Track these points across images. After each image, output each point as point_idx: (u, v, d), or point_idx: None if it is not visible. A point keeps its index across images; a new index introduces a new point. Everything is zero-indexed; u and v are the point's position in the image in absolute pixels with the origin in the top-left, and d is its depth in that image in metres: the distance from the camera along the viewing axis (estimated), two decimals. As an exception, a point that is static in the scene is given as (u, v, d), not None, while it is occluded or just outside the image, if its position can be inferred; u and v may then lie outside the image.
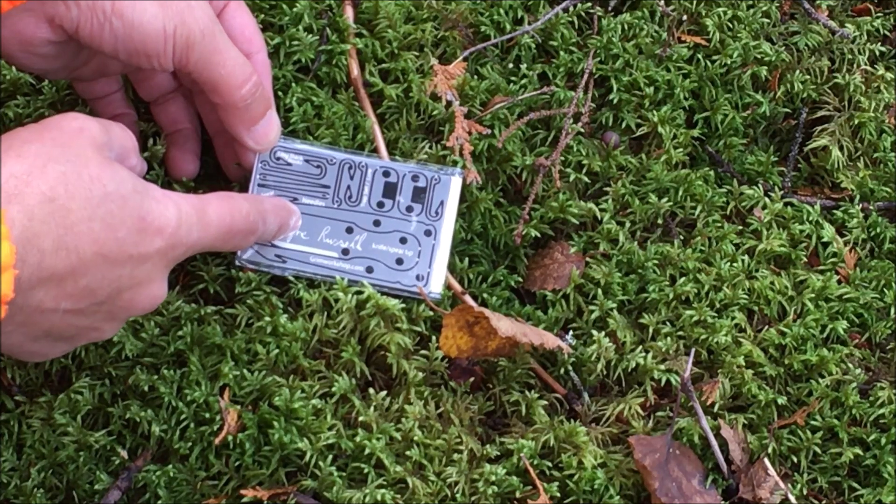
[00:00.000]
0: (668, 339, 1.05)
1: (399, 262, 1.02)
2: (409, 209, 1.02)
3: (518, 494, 0.99)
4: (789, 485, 1.02)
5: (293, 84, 1.07)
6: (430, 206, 1.02)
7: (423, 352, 1.02)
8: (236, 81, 0.92)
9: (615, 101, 1.11)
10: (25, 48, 0.88)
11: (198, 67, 0.90)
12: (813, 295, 1.08)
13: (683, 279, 1.07)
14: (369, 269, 1.01)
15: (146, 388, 0.99)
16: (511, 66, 1.12)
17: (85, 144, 0.81)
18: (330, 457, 0.99)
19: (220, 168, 1.05)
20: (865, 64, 1.17)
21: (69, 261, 0.78)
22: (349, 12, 1.10)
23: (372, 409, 1.00)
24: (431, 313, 1.03)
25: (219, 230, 0.88)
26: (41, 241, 0.76)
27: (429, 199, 1.03)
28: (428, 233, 1.02)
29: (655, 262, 1.08)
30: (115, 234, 0.80)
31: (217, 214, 0.88)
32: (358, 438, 0.98)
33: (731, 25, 1.14)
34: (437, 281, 1.02)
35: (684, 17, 1.14)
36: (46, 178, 0.77)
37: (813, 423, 1.05)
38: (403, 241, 1.02)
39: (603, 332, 1.04)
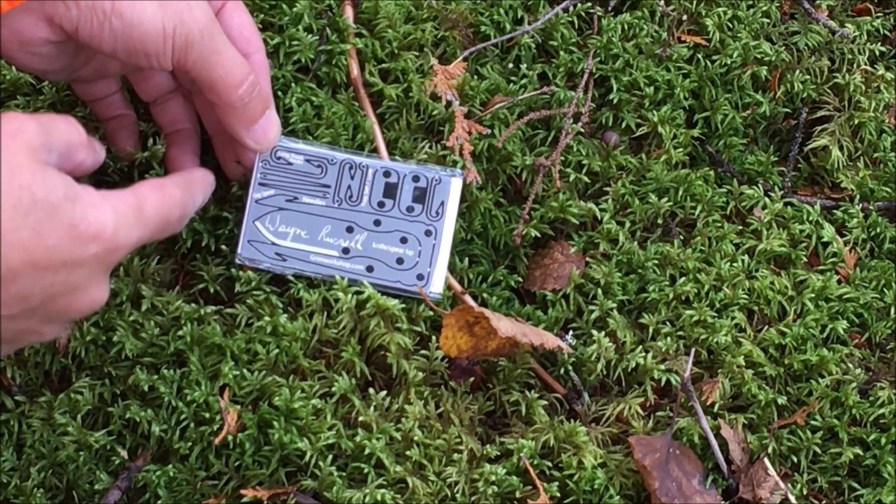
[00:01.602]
0: (668, 339, 1.05)
1: (399, 261, 1.02)
2: (410, 209, 1.02)
3: (518, 494, 0.99)
4: (789, 485, 1.02)
5: (293, 84, 1.07)
6: (430, 206, 1.02)
7: (423, 352, 1.02)
8: (234, 81, 0.92)
9: (615, 101, 1.11)
10: (25, 48, 0.88)
11: (196, 67, 0.90)
12: (813, 295, 1.08)
13: (683, 279, 1.07)
14: (369, 269, 1.01)
15: (146, 388, 0.99)
16: (511, 66, 1.12)
17: (18, 150, 0.79)
18: (330, 457, 0.99)
19: (220, 168, 1.05)
20: (865, 64, 1.17)
21: None
22: (349, 12, 1.10)
23: (372, 409, 1.00)
24: (431, 313, 1.03)
25: (157, 223, 0.87)
26: None
27: (429, 200, 1.03)
28: (428, 233, 1.02)
29: (655, 262, 1.08)
30: (45, 243, 0.79)
31: (154, 209, 0.87)
32: (358, 438, 0.98)
33: (731, 25, 1.15)
34: (437, 281, 1.02)
35: (684, 17, 1.14)
36: None
37: (813, 423, 1.05)
38: (404, 240, 1.02)
39: (603, 332, 1.04)
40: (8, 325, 0.81)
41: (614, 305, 1.06)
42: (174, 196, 0.90)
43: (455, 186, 1.03)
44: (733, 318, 1.07)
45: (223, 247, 1.03)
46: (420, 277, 1.01)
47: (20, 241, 0.78)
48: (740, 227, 1.11)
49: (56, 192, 0.80)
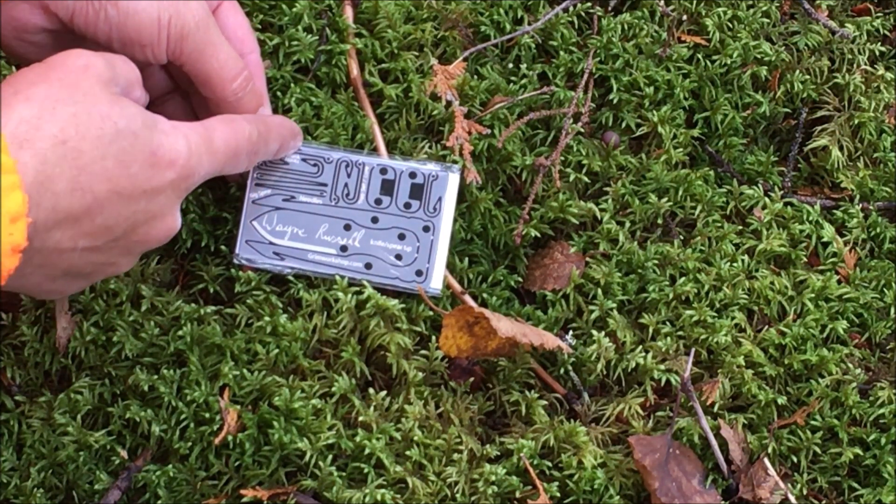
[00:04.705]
0: (668, 339, 1.05)
1: (398, 257, 1.02)
2: (407, 206, 1.02)
3: (518, 494, 0.99)
4: (789, 485, 1.02)
5: (292, 84, 1.07)
6: (428, 202, 1.02)
7: (423, 352, 1.02)
8: (228, 74, 0.93)
9: (615, 101, 1.11)
10: (19, 35, 0.89)
11: (191, 59, 0.91)
12: (813, 295, 1.08)
13: (683, 279, 1.07)
14: (368, 266, 1.01)
15: (146, 388, 0.99)
16: (511, 66, 1.12)
17: (92, 82, 0.81)
18: (330, 457, 0.99)
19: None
20: (865, 64, 1.17)
21: (84, 201, 0.79)
22: (349, 12, 1.10)
23: (372, 409, 1.00)
24: (431, 313, 1.03)
25: (226, 155, 0.89)
26: (55, 184, 0.77)
27: (426, 196, 1.03)
28: (426, 229, 1.02)
29: (655, 262, 1.08)
30: (128, 171, 0.80)
31: (223, 140, 0.89)
32: (358, 438, 0.99)
33: (731, 25, 1.14)
34: (436, 277, 1.02)
35: (684, 17, 1.14)
36: (57, 121, 0.78)
37: (813, 423, 1.05)
38: (402, 237, 1.02)
39: (603, 332, 1.04)
40: (90, 257, 0.83)
41: (614, 305, 1.06)
42: (243, 130, 0.91)
43: (452, 182, 1.03)
44: (733, 318, 1.07)
45: (223, 247, 1.03)
46: (419, 273, 1.01)
47: (104, 170, 0.79)
48: (740, 227, 1.11)
49: (135, 121, 0.81)
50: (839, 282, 1.09)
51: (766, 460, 1.02)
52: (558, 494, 1.00)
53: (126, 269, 0.88)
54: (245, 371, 1.00)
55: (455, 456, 1.01)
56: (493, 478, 0.99)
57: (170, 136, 0.84)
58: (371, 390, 1.01)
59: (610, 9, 1.14)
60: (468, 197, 1.07)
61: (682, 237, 1.10)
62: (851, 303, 1.08)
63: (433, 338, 1.02)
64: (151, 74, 1.01)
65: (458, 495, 0.99)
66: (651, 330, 1.06)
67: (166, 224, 0.86)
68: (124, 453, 1.00)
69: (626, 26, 1.13)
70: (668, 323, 1.07)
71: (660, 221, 1.10)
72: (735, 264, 1.09)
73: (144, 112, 0.83)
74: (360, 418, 0.99)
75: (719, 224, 1.11)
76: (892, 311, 1.09)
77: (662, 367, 1.04)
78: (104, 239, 0.82)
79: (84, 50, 0.83)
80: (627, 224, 1.09)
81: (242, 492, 0.98)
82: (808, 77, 1.15)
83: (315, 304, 1.02)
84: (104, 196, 0.80)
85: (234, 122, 0.91)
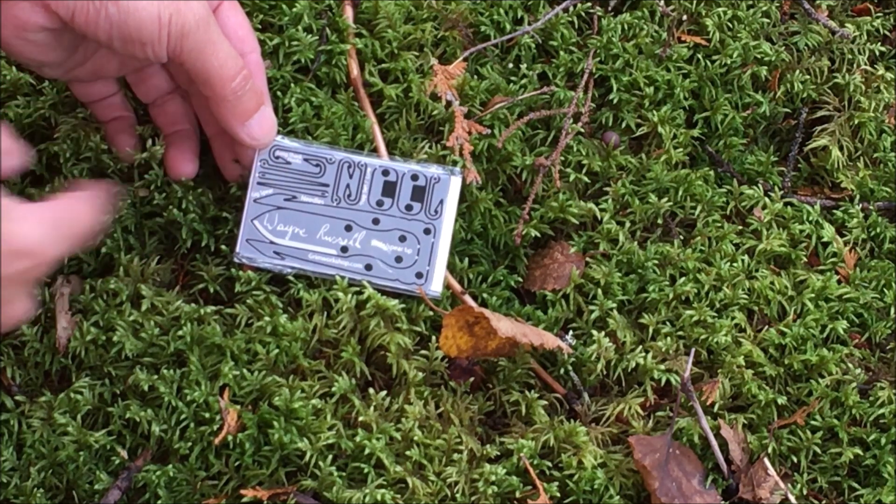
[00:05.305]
0: (668, 339, 1.05)
1: (398, 259, 1.02)
2: (409, 208, 1.02)
3: (518, 494, 0.99)
4: (789, 485, 1.02)
5: (292, 84, 1.07)
6: (429, 204, 1.02)
7: (423, 352, 1.02)
8: (228, 73, 0.92)
9: (615, 101, 1.11)
10: (20, 34, 0.89)
11: (191, 57, 0.91)
12: (813, 295, 1.08)
13: (683, 279, 1.07)
14: (368, 267, 1.01)
15: (146, 388, 0.99)
16: (511, 66, 1.12)
17: None
18: (330, 457, 0.99)
19: (218, 168, 1.05)
20: (865, 64, 1.17)
21: None
22: (349, 12, 1.10)
23: (372, 409, 1.00)
24: (431, 313, 1.03)
25: (77, 238, 0.84)
26: None
27: (428, 198, 1.03)
28: (427, 231, 1.02)
29: (655, 262, 1.08)
30: None
31: (73, 223, 0.83)
32: (358, 438, 0.98)
33: (731, 25, 1.15)
34: (437, 279, 1.02)
35: (684, 17, 1.14)
36: None
37: (813, 423, 1.05)
38: (403, 238, 1.02)
39: (603, 332, 1.04)
40: None
41: (614, 305, 1.06)
42: (87, 211, 0.85)
43: (454, 185, 1.03)
44: (733, 318, 1.07)
45: (223, 247, 1.03)
46: (419, 276, 1.01)
47: None
48: (740, 227, 1.11)
49: None
50: (839, 282, 1.09)
51: (766, 460, 1.02)
52: (558, 494, 1.00)
53: None
54: (245, 371, 1.00)
55: (455, 456, 1.01)
56: (493, 478, 0.99)
57: (23, 225, 0.80)
58: (371, 390, 1.01)
59: (610, 9, 1.14)
60: (468, 197, 1.07)
61: (682, 237, 1.10)
62: (851, 303, 1.08)
63: (433, 338, 1.02)
64: (151, 74, 1.01)
65: (458, 495, 0.99)
66: (651, 330, 1.06)
67: (14, 310, 0.82)
68: (124, 453, 1.00)
69: (626, 26, 1.13)
70: (668, 323, 1.07)
71: (660, 221, 1.10)
72: (735, 264, 1.09)
73: None
74: (360, 418, 0.99)
75: (719, 224, 1.11)
76: (892, 311, 1.09)
77: (662, 367, 1.04)
78: None
79: None
80: (627, 224, 1.09)
81: (242, 492, 0.98)
82: (808, 77, 1.16)
83: (315, 304, 1.02)
84: None
85: (76, 204, 0.84)
